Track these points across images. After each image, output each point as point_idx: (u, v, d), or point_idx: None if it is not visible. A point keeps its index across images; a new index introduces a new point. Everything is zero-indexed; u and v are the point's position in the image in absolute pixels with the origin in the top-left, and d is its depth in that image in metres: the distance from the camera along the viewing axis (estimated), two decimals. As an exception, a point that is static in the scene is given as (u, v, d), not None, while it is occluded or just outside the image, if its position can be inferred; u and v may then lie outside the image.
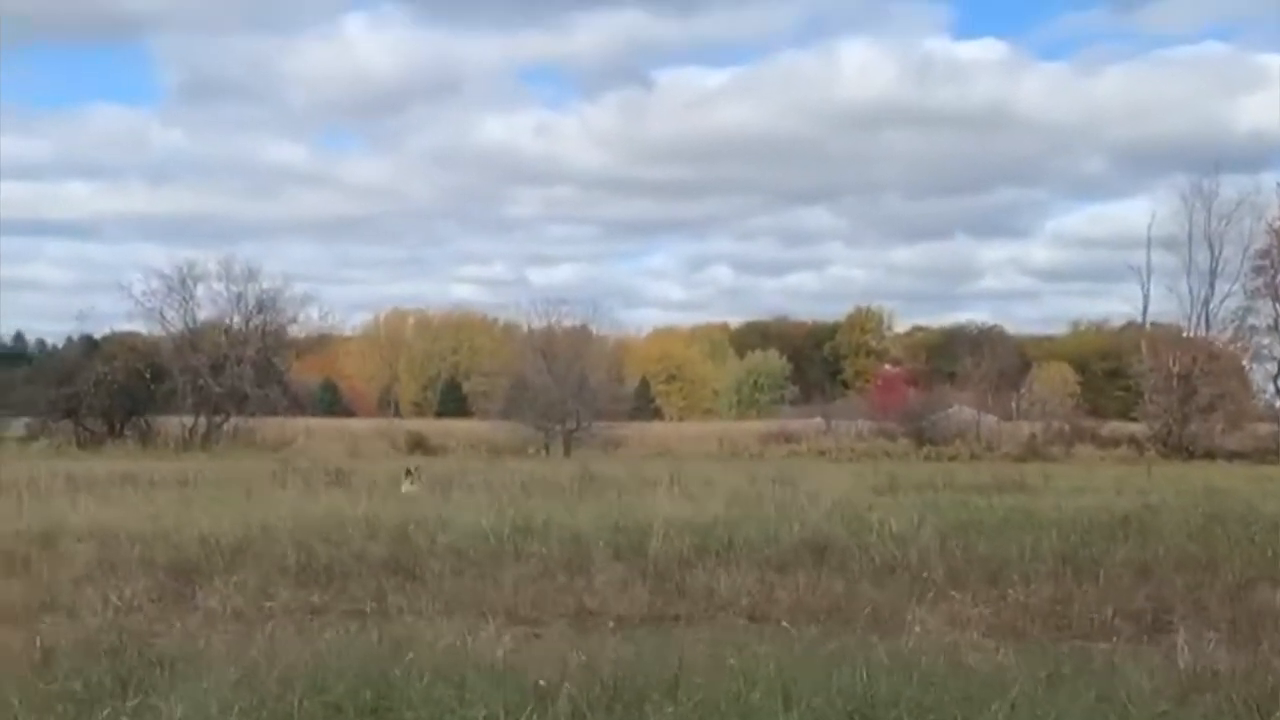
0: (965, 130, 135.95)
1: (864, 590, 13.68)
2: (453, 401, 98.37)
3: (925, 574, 14.33)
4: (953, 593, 13.24)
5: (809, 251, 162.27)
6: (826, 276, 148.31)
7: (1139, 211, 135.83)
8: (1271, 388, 60.19)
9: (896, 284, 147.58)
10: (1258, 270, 58.61)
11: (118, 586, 13.50)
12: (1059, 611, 12.83)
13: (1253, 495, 22.80)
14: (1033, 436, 56.94)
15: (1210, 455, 51.32)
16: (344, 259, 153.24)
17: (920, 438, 57.31)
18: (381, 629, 10.49)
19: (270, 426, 60.78)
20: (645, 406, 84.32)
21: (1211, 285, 58.45)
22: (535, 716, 7.04)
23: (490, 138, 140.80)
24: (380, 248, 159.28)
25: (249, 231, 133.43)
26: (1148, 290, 59.46)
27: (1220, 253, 58.53)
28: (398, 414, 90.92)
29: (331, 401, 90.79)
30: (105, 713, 7.14)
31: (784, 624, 10.05)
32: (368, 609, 13.00)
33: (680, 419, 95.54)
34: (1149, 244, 58.87)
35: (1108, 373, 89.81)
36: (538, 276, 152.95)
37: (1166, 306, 60.40)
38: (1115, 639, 10.85)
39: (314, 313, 63.62)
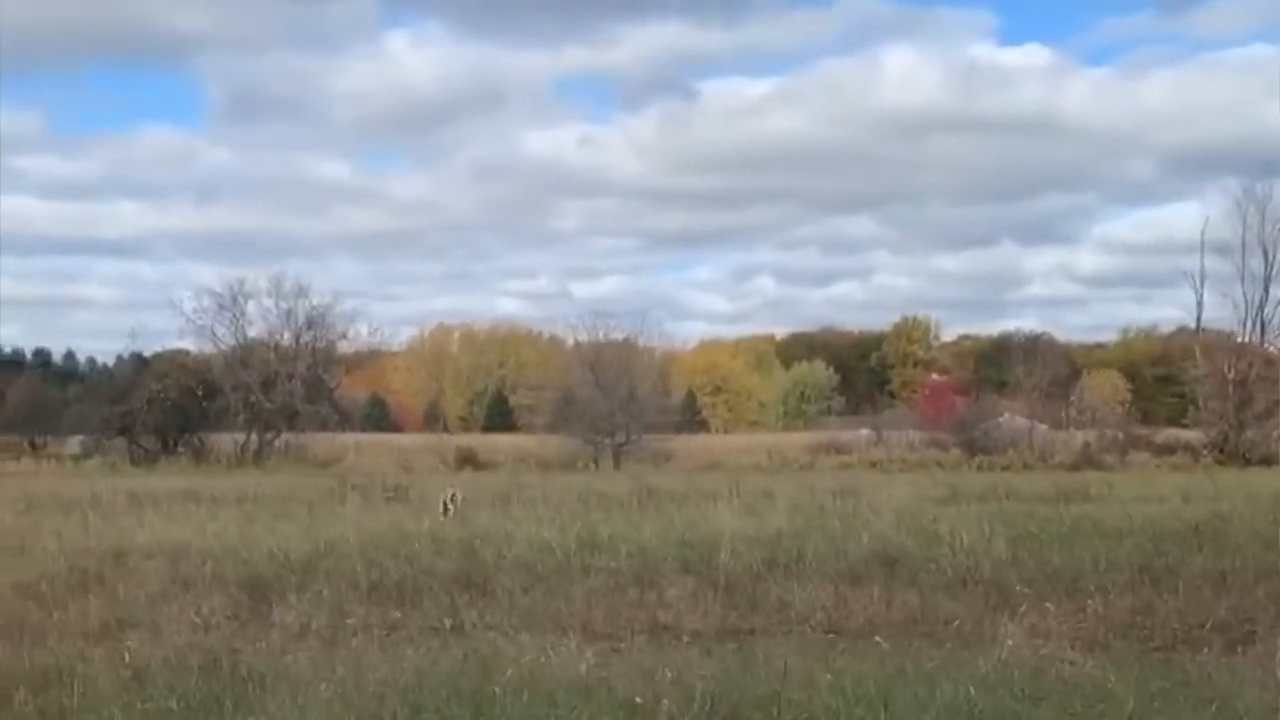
0: (1011, 137, 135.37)
1: (940, 603, 13.59)
2: (499, 415, 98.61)
3: (1001, 586, 14.27)
4: (1032, 605, 13.15)
5: (854, 260, 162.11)
6: (871, 285, 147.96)
7: (1187, 216, 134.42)
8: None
9: (942, 292, 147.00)
10: (1311, 275, 57.90)
11: (195, 603, 13.61)
12: (1139, 623, 12.70)
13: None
14: (1086, 445, 56.39)
15: (1267, 462, 50.53)
16: (389, 275, 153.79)
17: (972, 448, 56.81)
18: (464, 645, 10.44)
19: (320, 442, 61.02)
20: (691, 419, 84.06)
21: (1266, 290, 57.78)
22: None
23: (533, 151, 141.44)
24: (424, 263, 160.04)
25: (295, 248, 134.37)
26: (1201, 296, 58.86)
27: (1275, 257, 57.83)
28: (445, 429, 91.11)
29: (379, 417, 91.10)
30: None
31: (877, 639, 9.89)
32: (444, 625, 13.06)
33: (726, 431, 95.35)
34: (1202, 249, 58.31)
35: (1158, 379, 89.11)
36: (581, 289, 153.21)
37: (1220, 312, 59.71)
38: (1206, 650, 10.67)
39: (363, 329, 63.93)
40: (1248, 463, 50.48)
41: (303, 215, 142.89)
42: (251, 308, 61.98)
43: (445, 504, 23.41)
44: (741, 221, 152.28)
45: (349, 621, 13.07)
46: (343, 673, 9.39)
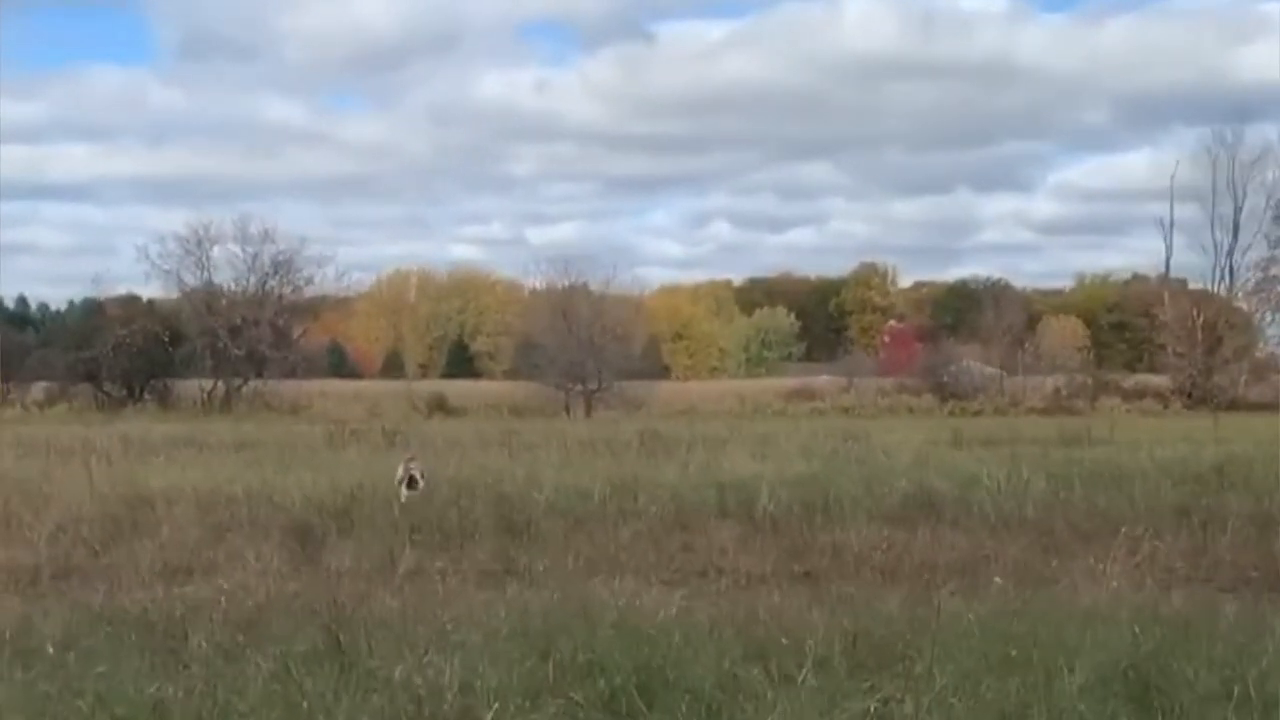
0: (968, 82, 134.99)
1: (990, 545, 13.65)
2: (460, 362, 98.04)
3: (1045, 528, 14.37)
4: (1084, 547, 13.26)
5: (810, 207, 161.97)
6: (827, 231, 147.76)
7: (1143, 163, 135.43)
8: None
9: (897, 239, 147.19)
10: (1279, 219, 58.56)
11: (245, 549, 13.41)
12: (1195, 564, 12.82)
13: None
14: (1057, 390, 56.96)
15: (1234, 407, 51.08)
16: (341, 219, 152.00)
17: (943, 393, 57.30)
18: (548, 589, 10.35)
19: (286, 389, 60.53)
20: (654, 365, 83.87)
21: (1235, 235, 58.30)
22: (811, 676, 6.94)
23: (489, 94, 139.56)
24: (378, 207, 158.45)
25: (247, 192, 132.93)
26: (1170, 241, 59.29)
27: (1244, 203, 58.38)
28: (406, 376, 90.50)
29: (338, 364, 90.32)
30: (396, 674, 6.99)
31: (996, 579, 9.90)
32: (497, 569, 12.97)
33: (686, 378, 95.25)
34: (1172, 195, 58.75)
35: (1113, 326, 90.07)
36: (536, 235, 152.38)
37: (1185, 258, 60.28)
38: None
39: (329, 274, 63.21)
40: (1216, 407, 50.97)
41: (255, 158, 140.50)
42: (216, 252, 61.32)
43: (414, 478, 16.87)
44: (698, 167, 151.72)
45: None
46: (447, 617, 9.30)
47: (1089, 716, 6.41)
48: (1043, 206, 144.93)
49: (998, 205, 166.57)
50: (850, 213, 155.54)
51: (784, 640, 7.69)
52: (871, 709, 6.51)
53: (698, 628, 8.61)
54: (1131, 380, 61.42)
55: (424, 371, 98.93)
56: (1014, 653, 7.25)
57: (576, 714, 6.63)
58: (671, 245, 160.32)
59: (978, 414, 49.83)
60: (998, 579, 9.94)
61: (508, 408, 56.52)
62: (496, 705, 6.37)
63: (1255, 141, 59.72)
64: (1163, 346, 60.01)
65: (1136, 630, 7.39)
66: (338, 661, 7.43)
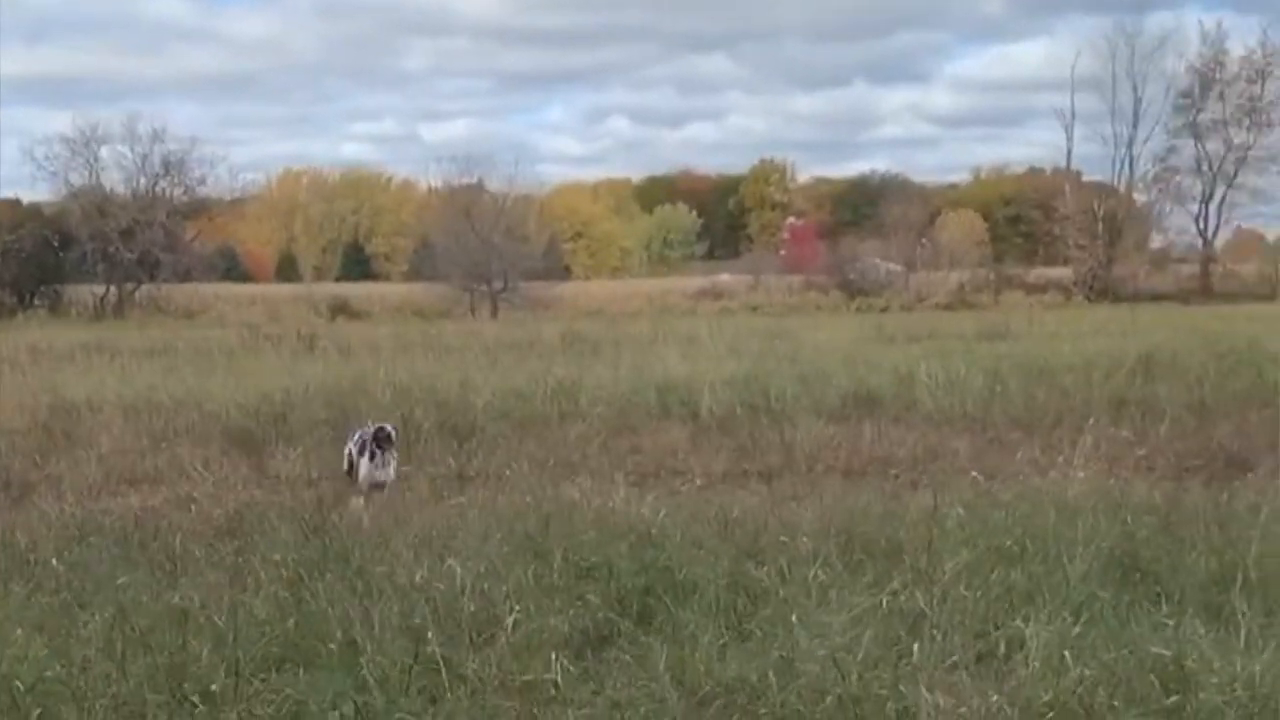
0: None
1: (938, 440, 13.84)
2: (356, 264, 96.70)
3: (987, 422, 14.59)
4: (1028, 439, 13.49)
5: (709, 101, 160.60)
6: (726, 127, 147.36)
7: (1040, 53, 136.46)
8: (1193, 228, 61.27)
9: (797, 133, 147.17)
10: (1178, 110, 59.38)
11: (189, 458, 13.16)
12: (1136, 453, 13.06)
13: (1244, 334, 23.10)
14: (960, 286, 57.59)
15: (1135, 298, 51.93)
16: (229, 118, 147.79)
17: (849, 290, 57.75)
18: (532, 493, 10.23)
19: (182, 294, 59.23)
20: (556, 266, 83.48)
21: (1135, 126, 59.01)
22: (818, 571, 6.97)
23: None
24: (266, 105, 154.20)
25: (131, 92, 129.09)
26: (1071, 133, 59.80)
27: (1144, 93, 59.01)
28: (306, 279, 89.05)
29: (229, 267, 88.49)
30: (416, 578, 6.88)
31: (974, 474, 9.99)
32: (449, 472, 12.88)
33: (587, 278, 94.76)
34: (1072, 86, 59.24)
35: (1010, 219, 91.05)
36: (430, 132, 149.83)
37: (1086, 150, 61.03)
38: (1250, 475, 10.97)
39: (222, 174, 61.63)
40: (1118, 299, 51.81)
41: (138, 55, 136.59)
42: (104, 153, 59.52)
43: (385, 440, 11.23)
44: (594, 61, 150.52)
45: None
46: (424, 522, 9.21)
47: (1098, 602, 6.51)
48: (941, 99, 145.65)
49: (896, 98, 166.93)
50: (749, 107, 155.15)
51: (782, 539, 7.70)
52: (883, 603, 6.54)
53: (683, 528, 8.59)
54: (1033, 274, 62.23)
55: (318, 274, 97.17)
56: (1009, 543, 7.34)
57: (595, 615, 6.61)
58: (569, 142, 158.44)
59: (884, 310, 50.27)
60: (975, 473, 10.01)
61: (411, 310, 56.00)
62: (518, 609, 6.31)
63: (1155, 31, 60.29)
64: (1063, 239, 60.69)
65: (1128, 519, 7.52)
66: (340, 569, 7.30)
